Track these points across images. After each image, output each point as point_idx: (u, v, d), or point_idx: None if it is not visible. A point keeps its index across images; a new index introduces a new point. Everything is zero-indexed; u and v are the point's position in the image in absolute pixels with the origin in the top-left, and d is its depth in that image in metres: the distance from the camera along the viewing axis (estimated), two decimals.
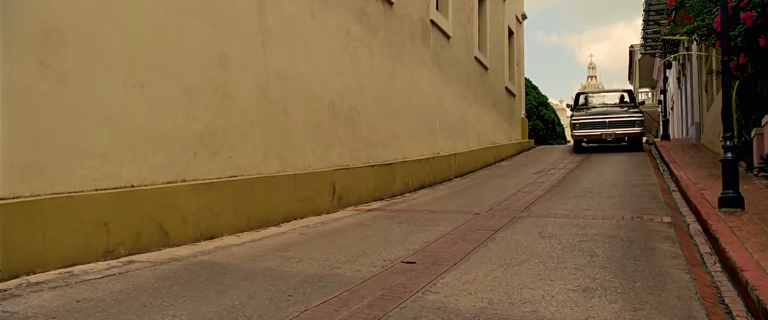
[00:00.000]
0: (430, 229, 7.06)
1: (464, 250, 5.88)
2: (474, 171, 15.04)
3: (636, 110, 19.17)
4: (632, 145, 19.11)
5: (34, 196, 4.92)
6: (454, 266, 5.25)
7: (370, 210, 8.81)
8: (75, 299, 4.17)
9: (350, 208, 8.92)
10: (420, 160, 11.89)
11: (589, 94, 21.66)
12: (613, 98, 21.10)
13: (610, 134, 18.52)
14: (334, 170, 8.90)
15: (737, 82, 11.60)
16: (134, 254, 5.55)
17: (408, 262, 5.44)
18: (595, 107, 20.06)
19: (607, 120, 18.65)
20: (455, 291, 4.45)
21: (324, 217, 8.04)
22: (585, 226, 7.07)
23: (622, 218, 7.62)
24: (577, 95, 21.36)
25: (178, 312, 3.98)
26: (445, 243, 6.25)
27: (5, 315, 3.82)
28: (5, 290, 4.33)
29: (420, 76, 12.36)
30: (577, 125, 18.81)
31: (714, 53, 14.72)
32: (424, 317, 3.86)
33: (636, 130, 18.61)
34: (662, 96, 26.53)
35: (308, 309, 4.12)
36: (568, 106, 59.77)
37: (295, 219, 7.79)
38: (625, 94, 21.06)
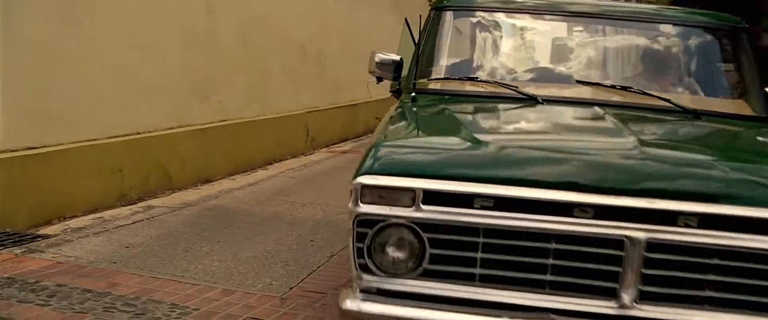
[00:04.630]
0: None
1: None
2: None
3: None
4: None
5: (59, 145, 5.23)
6: None
7: (344, 152, 9.31)
8: (123, 245, 4.58)
9: (323, 149, 9.38)
10: (379, 99, 12.35)
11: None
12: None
13: None
14: (307, 112, 9.31)
15: None
16: (145, 198, 5.92)
17: None
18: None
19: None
20: None
21: (303, 159, 8.50)
22: None
23: None
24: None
25: (222, 257, 4.45)
26: None
27: (70, 259, 4.22)
28: (55, 235, 4.69)
29: (379, 18, 12.72)
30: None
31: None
32: None
33: None
34: None
35: (334, 255, 4.65)
36: None
37: (276, 161, 8.21)
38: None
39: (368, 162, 2.38)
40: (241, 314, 3.58)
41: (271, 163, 8.04)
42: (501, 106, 3.34)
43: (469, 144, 2.51)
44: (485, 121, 3.20)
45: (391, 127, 2.85)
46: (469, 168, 2.36)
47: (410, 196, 2.30)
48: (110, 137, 5.74)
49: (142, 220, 5.22)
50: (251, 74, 8.04)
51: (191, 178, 6.71)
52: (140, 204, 5.71)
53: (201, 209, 5.69)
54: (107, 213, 5.33)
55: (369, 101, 11.77)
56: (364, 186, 2.31)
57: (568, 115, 3.24)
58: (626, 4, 4.00)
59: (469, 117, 3.15)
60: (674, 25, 3.78)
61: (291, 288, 3.99)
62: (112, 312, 3.49)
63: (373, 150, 2.44)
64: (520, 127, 3.20)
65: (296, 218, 5.53)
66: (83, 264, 4.17)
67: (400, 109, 3.18)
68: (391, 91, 4.05)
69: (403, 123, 2.97)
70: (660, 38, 3.78)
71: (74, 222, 5.02)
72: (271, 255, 4.54)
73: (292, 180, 7.15)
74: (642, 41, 3.75)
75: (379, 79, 3.96)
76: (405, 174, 2.32)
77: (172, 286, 3.89)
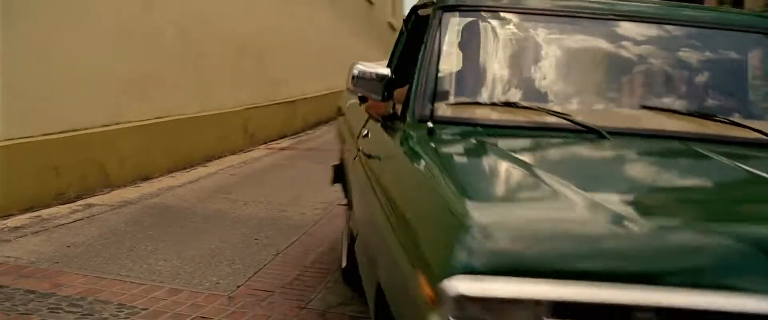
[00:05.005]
0: None
1: None
2: None
3: None
4: None
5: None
6: None
7: (283, 148, 9.31)
8: (64, 244, 4.51)
9: (262, 146, 9.36)
10: (317, 96, 12.39)
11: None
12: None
13: None
14: (246, 109, 9.27)
15: None
16: (84, 197, 5.82)
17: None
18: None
19: None
20: None
21: (242, 156, 8.47)
22: None
23: None
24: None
25: (167, 256, 4.43)
26: None
27: (9, 260, 4.13)
28: None
29: (316, 14, 12.73)
30: None
31: None
32: None
33: None
34: None
35: (279, 253, 4.68)
36: None
37: (215, 158, 8.16)
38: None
39: (460, 254, 1.45)
40: (189, 313, 3.58)
41: (210, 160, 7.99)
42: (560, 143, 2.53)
43: (603, 221, 1.62)
44: (572, 173, 2.09)
45: (445, 187, 1.89)
46: (625, 261, 1.48)
47: (533, 312, 1.42)
48: (45, 134, 5.63)
49: (82, 219, 5.14)
50: (190, 71, 7.97)
51: (130, 176, 6.62)
52: (79, 202, 5.61)
53: (142, 207, 5.63)
54: (45, 212, 5.23)
55: (307, 97, 11.79)
56: (463, 298, 1.41)
57: (673, 159, 2.49)
58: (689, 6, 3.12)
59: (544, 166, 2.18)
60: (747, 31, 2.98)
61: (238, 287, 4.00)
62: (58, 313, 3.44)
63: (459, 231, 1.52)
64: (631, 181, 2.24)
65: (239, 216, 5.53)
66: (24, 264, 4.10)
67: (422, 151, 2.31)
68: (374, 116, 3.03)
69: (461, 179, 2.00)
70: (728, 48, 2.98)
71: (11, 222, 4.92)
72: (216, 254, 4.54)
73: (233, 178, 7.13)
74: (710, 52, 2.95)
75: (363, 99, 3.13)
76: (525, 273, 1.42)
77: (117, 286, 3.86)
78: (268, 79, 10.25)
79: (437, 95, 2.61)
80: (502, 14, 2.89)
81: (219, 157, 8.24)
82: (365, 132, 3.18)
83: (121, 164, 6.51)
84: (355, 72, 2.91)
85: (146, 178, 6.77)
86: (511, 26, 2.88)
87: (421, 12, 3.27)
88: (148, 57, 7.07)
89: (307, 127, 11.64)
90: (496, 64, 2.85)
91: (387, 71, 2.89)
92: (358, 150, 3.21)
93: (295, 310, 3.71)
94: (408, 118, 2.62)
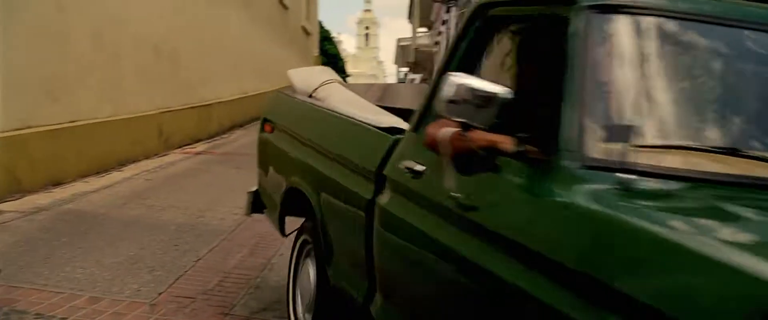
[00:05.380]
0: None
1: None
2: None
3: None
4: None
5: None
6: None
7: (198, 153, 9.24)
8: None
9: (177, 150, 9.27)
10: (232, 100, 12.33)
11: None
12: None
13: None
14: (160, 112, 9.16)
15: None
16: None
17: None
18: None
19: None
20: None
21: (157, 160, 8.38)
22: None
23: None
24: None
25: (85, 264, 4.38)
26: None
27: None
28: None
29: (231, 18, 12.66)
30: None
31: None
32: None
33: None
34: (438, 38, 28.27)
35: (201, 258, 4.69)
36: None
37: (130, 162, 8.04)
38: None
39: None
40: None
41: (124, 165, 7.87)
42: None
43: None
44: None
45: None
46: None
47: None
48: None
49: None
50: (104, 74, 7.83)
51: (42, 181, 6.47)
52: None
53: (56, 214, 5.53)
54: None
55: (222, 101, 11.72)
56: None
57: None
58: None
59: None
60: None
61: (160, 294, 4.00)
62: None
63: None
64: None
65: (158, 222, 5.50)
66: None
67: (623, 221, 1.53)
68: (470, 150, 1.97)
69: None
70: None
71: None
72: (136, 261, 4.52)
73: (149, 183, 7.06)
74: None
75: (466, 127, 1.93)
76: None
77: (35, 295, 3.81)
78: (184, 82, 10.15)
79: (615, 131, 1.75)
80: (684, 20, 2.02)
81: (134, 162, 8.12)
82: (420, 168, 2.30)
83: (32, 169, 6.35)
84: (451, 90, 1.90)
85: (59, 183, 6.63)
86: (703, 37, 2.04)
87: (497, 12, 2.35)
88: (62, 60, 6.92)
89: (222, 130, 11.57)
90: (693, 90, 1.99)
91: (503, 90, 1.90)
92: (395, 190, 2.45)
93: (218, 316, 3.75)
94: (563, 162, 1.77)
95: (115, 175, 7.25)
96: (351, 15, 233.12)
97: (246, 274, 4.45)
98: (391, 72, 77.70)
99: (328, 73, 4.14)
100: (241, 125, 12.61)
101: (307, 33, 21.11)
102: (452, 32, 29.91)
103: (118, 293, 3.96)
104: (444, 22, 27.77)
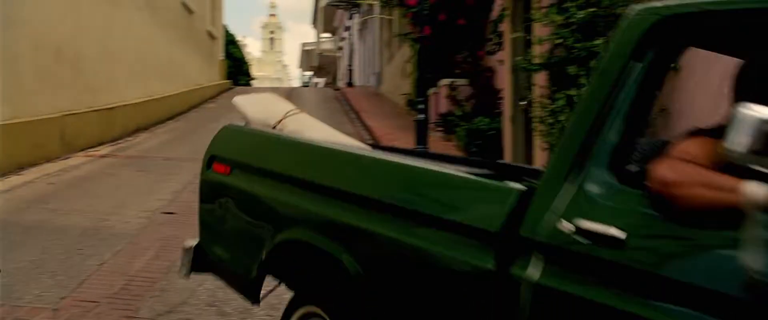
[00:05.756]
0: (172, 178, 7.65)
1: None
2: (183, 113, 15.41)
3: None
4: None
5: None
6: None
7: (103, 156, 9.10)
8: None
9: (81, 153, 9.11)
10: (137, 103, 12.16)
11: None
12: None
13: None
14: (63, 116, 8.99)
15: (419, 46, 13.50)
16: None
17: (168, 213, 6.09)
18: None
19: None
20: None
21: (60, 163, 8.23)
22: None
23: None
24: None
25: None
26: (193, 193, 6.96)
27: None
28: None
29: (136, 21, 12.50)
30: None
31: (397, 17, 16.57)
32: None
33: None
34: (342, 43, 28.42)
35: (105, 262, 4.70)
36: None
37: (30, 166, 7.87)
38: None
39: None
40: None
41: (24, 169, 7.70)
42: None
43: None
44: None
45: None
46: None
47: None
48: None
49: None
50: (3, 76, 7.65)
51: None
52: None
53: None
54: None
55: (126, 104, 11.56)
56: None
57: None
58: None
59: None
60: None
61: (63, 299, 3.99)
62: None
63: None
64: None
65: (61, 226, 5.45)
66: None
67: None
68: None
69: None
70: None
71: None
72: (37, 266, 4.49)
73: (51, 187, 6.94)
74: None
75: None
76: None
77: None
78: (86, 85, 9.98)
79: None
80: None
81: (34, 165, 7.95)
82: (618, 234, 1.60)
83: None
84: (754, 129, 1.36)
85: None
86: None
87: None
88: None
89: (126, 133, 11.40)
90: None
91: None
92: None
93: (123, 319, 3.78)
94: None
95: (15, 179, 7.11)
96: (255, 18, 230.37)
97: (151, 277, 4.48)
98: (295, 76, 77.64)
99: (282, 100, 3.49)
100: (145, 128, 12.44)
101: (212, 37, 20.92)
102: (355, 37, 30.17)
103: (18, 298, 3.94)
104: (347, 29, 27.95)
